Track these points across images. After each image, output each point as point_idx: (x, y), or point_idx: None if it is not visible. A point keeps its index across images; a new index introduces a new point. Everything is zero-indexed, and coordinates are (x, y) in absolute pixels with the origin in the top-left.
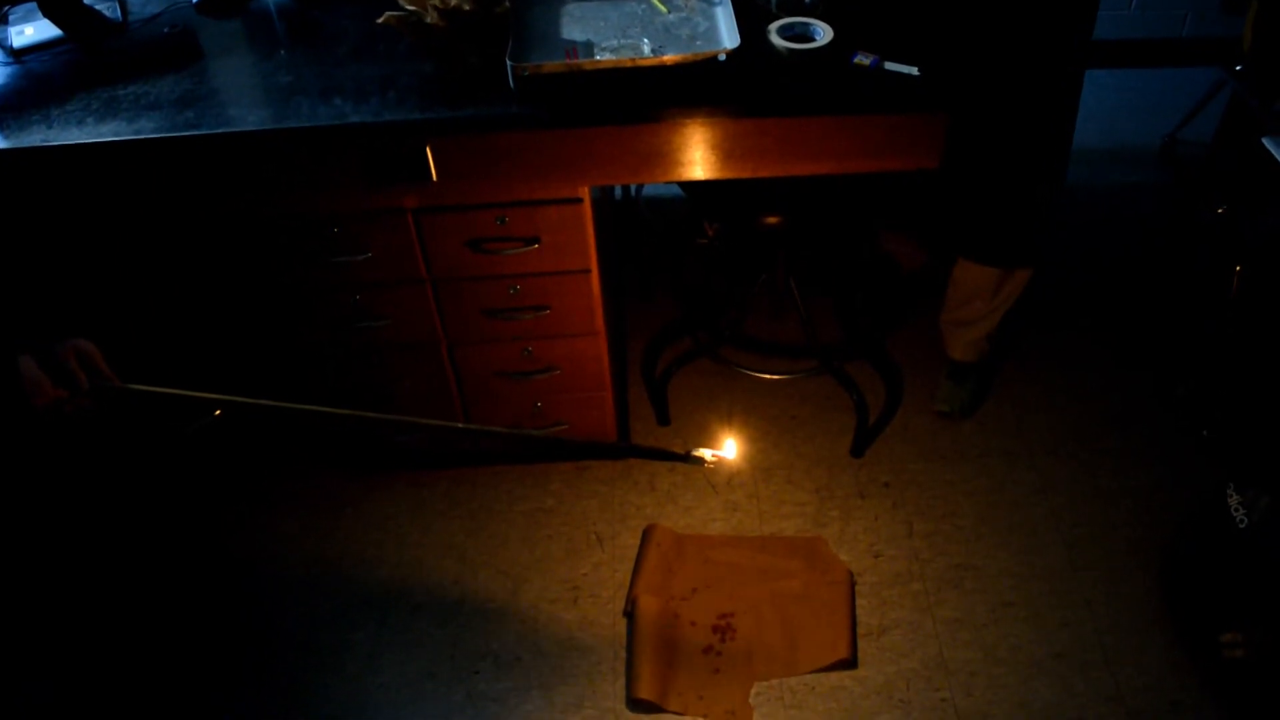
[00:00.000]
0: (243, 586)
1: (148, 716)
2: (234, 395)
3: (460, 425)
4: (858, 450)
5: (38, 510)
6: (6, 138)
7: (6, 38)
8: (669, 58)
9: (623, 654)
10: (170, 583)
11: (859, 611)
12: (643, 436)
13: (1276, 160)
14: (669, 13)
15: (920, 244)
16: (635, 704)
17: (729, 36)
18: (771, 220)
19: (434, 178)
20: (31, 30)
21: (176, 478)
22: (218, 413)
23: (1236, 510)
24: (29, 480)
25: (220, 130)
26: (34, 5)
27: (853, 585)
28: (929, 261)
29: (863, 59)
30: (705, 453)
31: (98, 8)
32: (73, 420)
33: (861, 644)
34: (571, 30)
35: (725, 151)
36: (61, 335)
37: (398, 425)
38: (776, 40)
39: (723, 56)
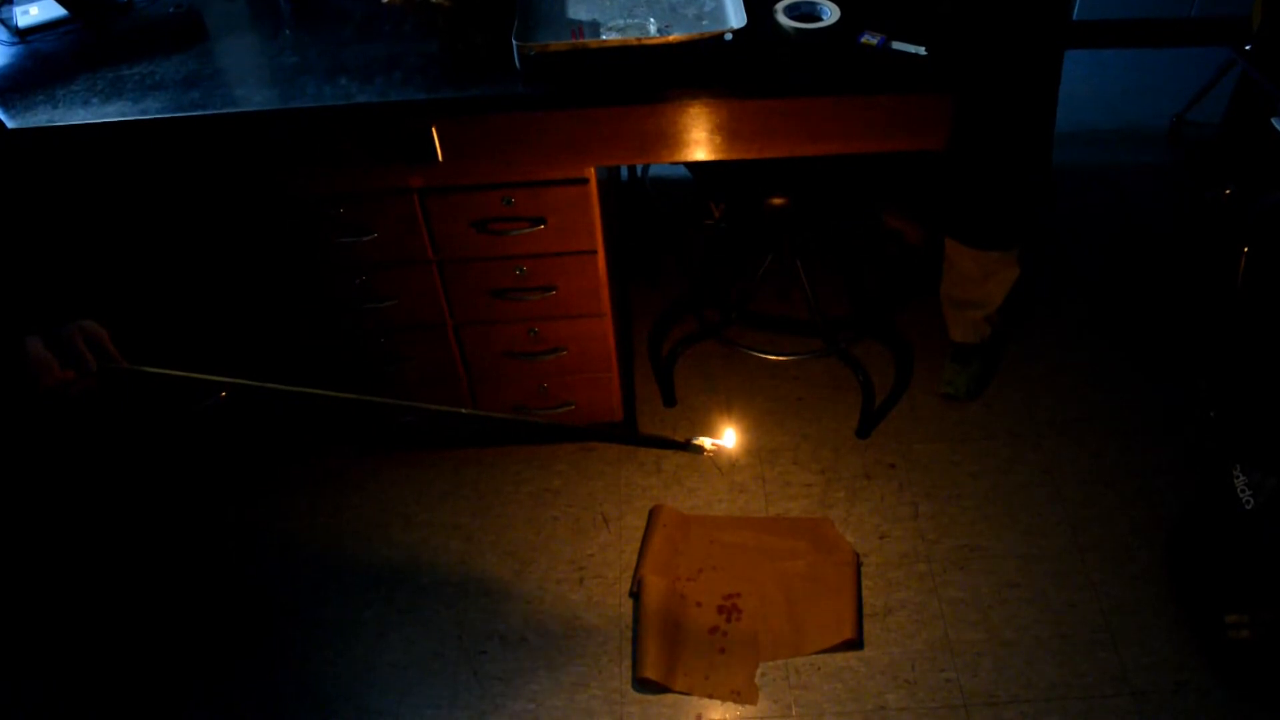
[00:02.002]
0: (249, 567)
1: (155, 696)
2: (239, 377)
3: (463, 410)
4: (864, 431)
5: (42, 492)
6: (12, 118)
7: (12, 17)
8: (675, 37)
9: (629, 634)
10: (177, 564)
11: (865, 592)
12: (649, 417)
13: None
14: None
15: (919, 221)
16: (641, 684)
17: (735, 16)
18: (777, 201)
19: (440, 158)
20: (36, 10)
21: (182, 459)
22: (223, 394)
23: (1243, 491)
24: (33, 461)
25: (226, 110)
26: None
27: (858, 566)
28: (928, 237)
29: (870, 38)
30: (705, 441)
31: None
32: (79, 401)
33: (867, 625)
34: (577, 9)
35: (731, 132)
36: (68, 316)
37: (401, 409)
38: (783, 20)
39: (729, 36)
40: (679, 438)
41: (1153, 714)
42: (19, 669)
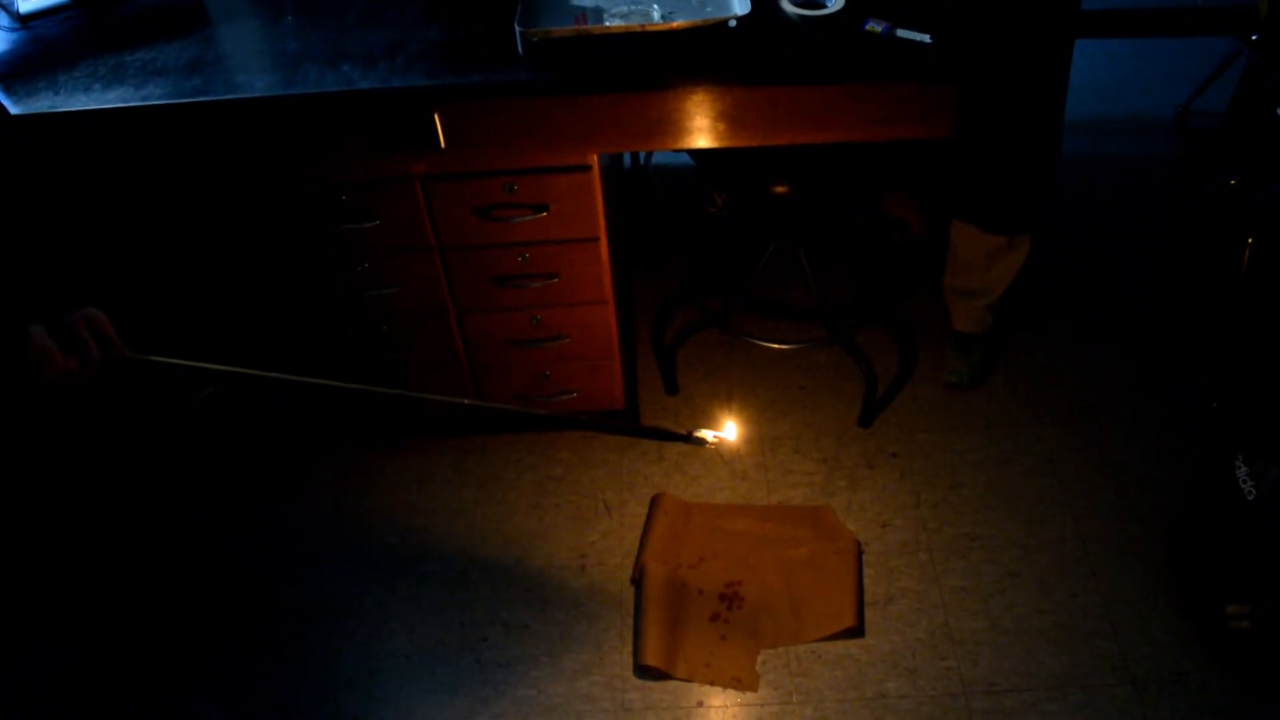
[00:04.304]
0: (251, 555)
1: (158, 686)
2: (242, 366)
3: (465, 401)
4: (866, 420)
5: (45, 482)
6: (15, 104)
7: (13, 3)
8: (678, 23)
9: (630, 621)
10: (178, 552)
11: (866, 580)
12: (651, 405)
13: None
14: None
15: (921, 208)
16: (643, 671)
17: (739, 2)
18: (780, 189)
19: (442, 145)
20: None
21: (184, 447)
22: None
23: (1245, 482)
24: (36, 451)
25: (228, 97)
26: None
27: (860, 554)
28: (930, 226)
29: (874, 26)
30: (706, 434)
31: None
32: (81, 389)
33: (868, 613)
34: None
35: (735, 119)
36: (71, 304)
37: (403, 400)
38: (787, 6)
39: (733, 22)
40: (681, 428)
41: (1153, 703)
42: (22, 658)
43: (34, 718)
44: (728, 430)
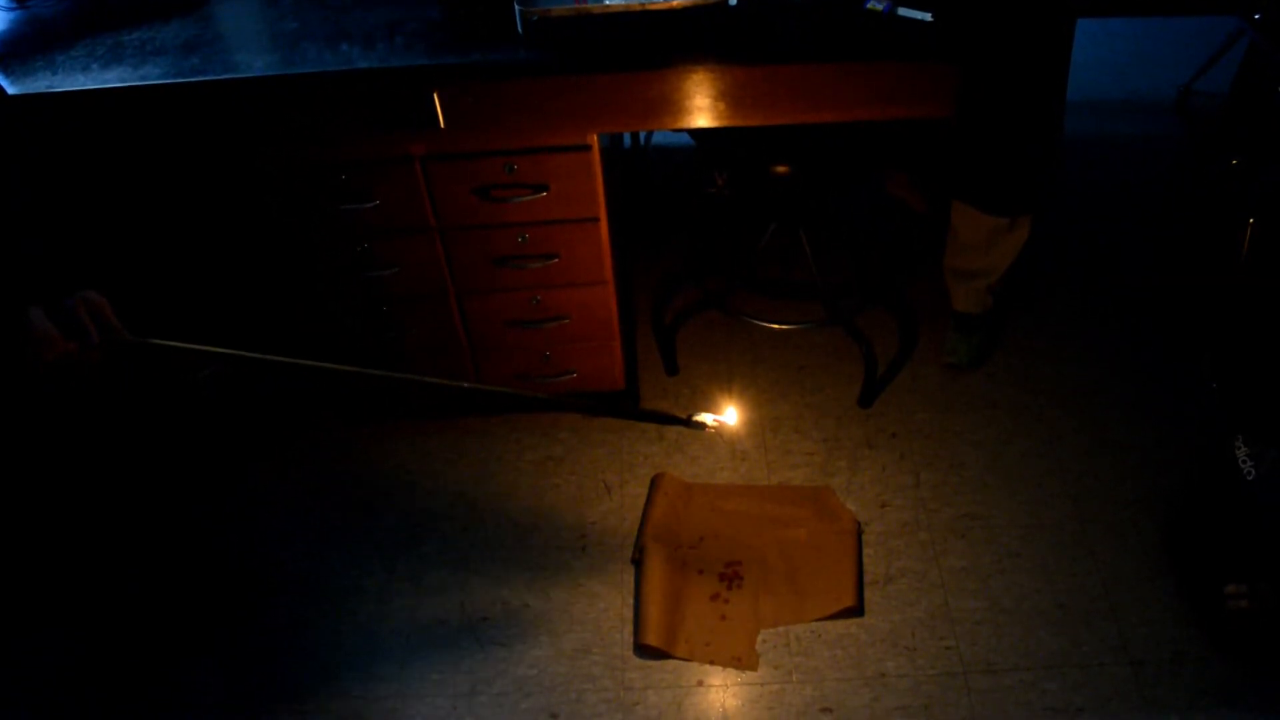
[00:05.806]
0: (251, 536)
1: (158, 667)
2: (241, 348)
3: (465, 384)
4: (866, 400)
5: (45, 465)
6: (12, 84)
7: None
8: (678, 2)
9: (630, 601)
10: (178, 533)
11: (865, 560)
12: (651, 386)
13: None
14: None
15: (921, 189)
16: (643, 650)
17: None
18: (780, 169)
19: (441, 124)
20: None
21: (183, 429)
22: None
23: (1244, 462)
24: (35, 433)
25: (226, 76)
26: None
27: (859, 534)
28: (930, 207)
29: (875, 4)
30: (707, 418)
31: None
32: (80, 373)
33: (868, 592)
34: None
35: (735, 98)
36: (71, 287)
37: (401, 382)
38: None
39: (733, 0)
40: (681, 408)
41: (1151, 683)
42: (22, 649)
43: (34, 709)
44: (728, 414)
